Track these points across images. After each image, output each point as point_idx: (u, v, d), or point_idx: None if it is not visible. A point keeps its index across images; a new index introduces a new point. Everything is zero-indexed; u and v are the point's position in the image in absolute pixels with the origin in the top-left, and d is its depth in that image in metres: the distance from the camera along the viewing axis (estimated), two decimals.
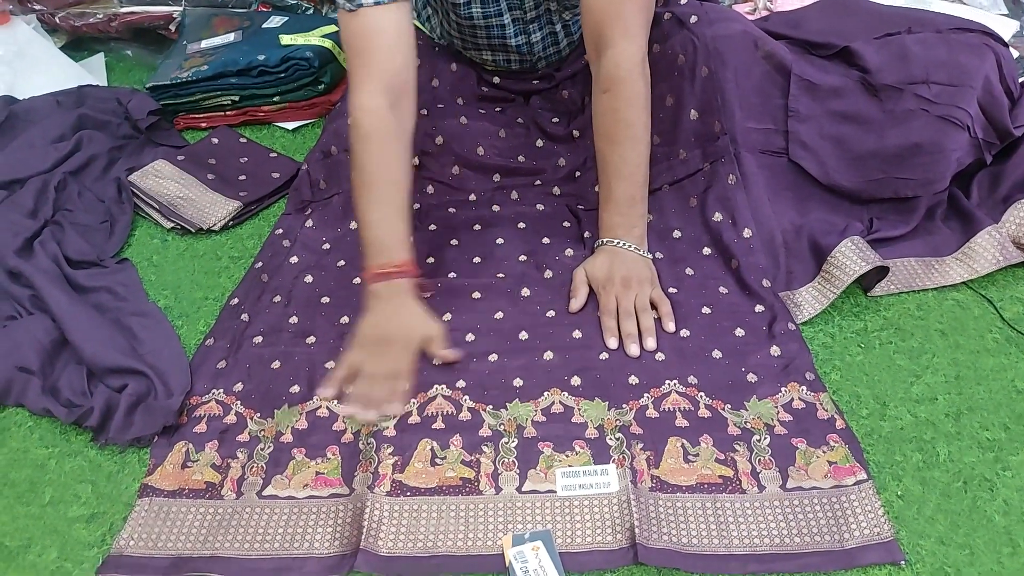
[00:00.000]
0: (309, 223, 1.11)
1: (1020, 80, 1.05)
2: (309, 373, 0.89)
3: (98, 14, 1.58)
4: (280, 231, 1.11)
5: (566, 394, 0.85)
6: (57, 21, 1.59)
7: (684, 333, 0.92)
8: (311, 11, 1.57)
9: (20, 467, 0.82)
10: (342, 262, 1.04)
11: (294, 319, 0.97)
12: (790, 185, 1.04)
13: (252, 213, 1.19)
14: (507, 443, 0.80)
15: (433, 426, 0.82)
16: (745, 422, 0.82)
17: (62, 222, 1.10)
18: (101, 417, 0.82)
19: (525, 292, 0.99)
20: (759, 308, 0.94)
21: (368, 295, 0.89)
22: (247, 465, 0.80)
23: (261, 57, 1.34)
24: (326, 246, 1.08)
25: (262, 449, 0.82)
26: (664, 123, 1.07)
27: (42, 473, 0.81)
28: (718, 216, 1.03)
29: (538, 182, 1.16)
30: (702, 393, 0.85)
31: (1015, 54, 1.15)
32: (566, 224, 1.10)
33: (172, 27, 1.56)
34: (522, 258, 1.04)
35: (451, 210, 1.13)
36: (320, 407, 0.85)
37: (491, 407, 0.84)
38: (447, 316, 0.95)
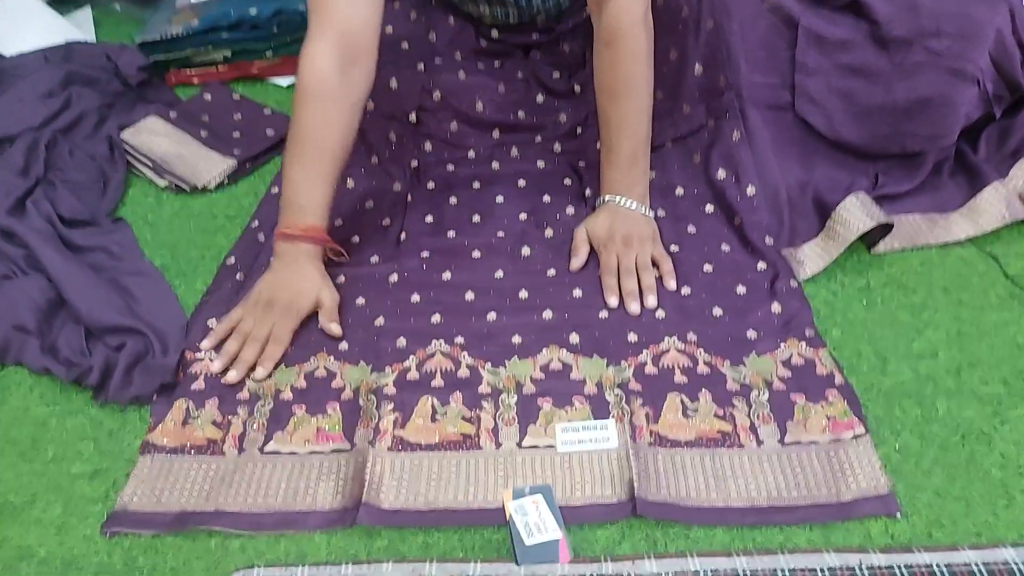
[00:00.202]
0: None
1: None
2: (305, 333, 0.89)
3: None
4: (276, 189, 1.10)
5: (564, 351, 0.85)
6: None
7: (685, 291, 0.91)
8: None
9: (21, 425, 0.82)
10: (339, 221, 1.03)
11: None
12: (795, 140, 1.02)
13: (247, 171, 1.17)
14: (506, 399, 0.80)
15: (432, 383, 0.82)
16: (744, 378, 0.82)
17: (54, 180, 1.09)
18: (100, 376, 0.82)
19: (525, 251, 0.98)
20: (761, 266, 0.94)
21: (273, 254, 0.89)
22: (248, 422, 0.80)
23: (253, 11, 1.31)
24: None
25: (262, 406, 0.82)
26: (667, 78, 1.05)
27: (44, 431, 0.82)
28: (721, 173, 1.01)
29: (538, 139, 1.15)
30: (701, 349, 0.85)
31: None
32: (567, 182, 1.09)
33: None
34: (522, 216, 1.03)
35: (450, 167, 1.12)
36: (318, 367, 0.85)
37: (490, 364, 0.84)
38: (447, 275, 0.94)
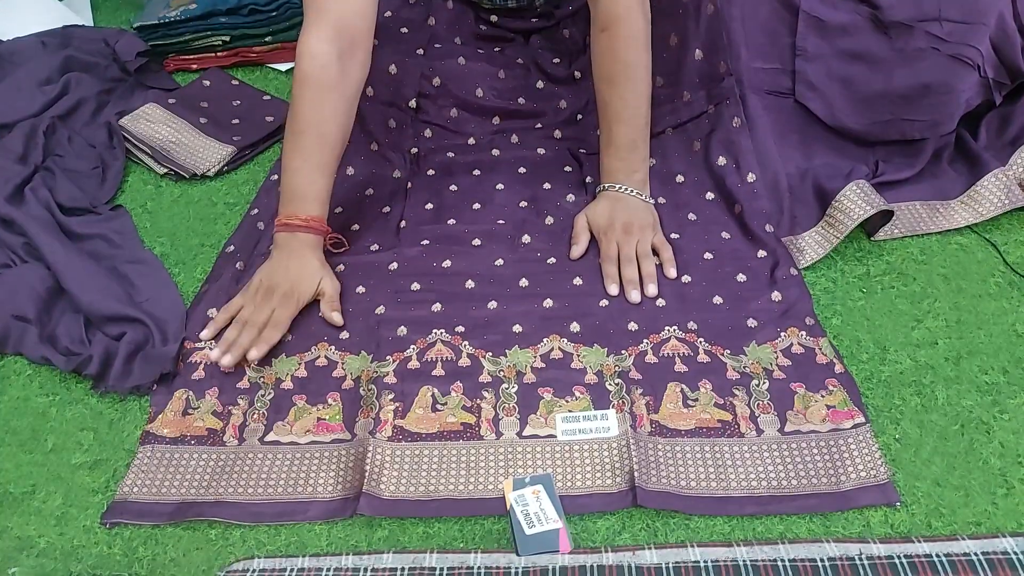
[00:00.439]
0: None
1: None
2: (306, 322, 0.89)
3: None
4: (276, 177, 1.09)
5: (565, 340, 0.85)
6: None
7: (686, 279, 0.91)
8: None
9: (21, 415, 0.82)
10: (339, 209, 1.02)
11: None
12: (796, 127, 1.02)
13: (247, 158, 1.17)
14: (507, 389, 0.81)
15: (433, 372, 0.82)
16: (744, 367, 0.82)
17: (53, 168, 1.08)
18: (100, 365, 0.82)
19: (526, 239, 0.98)
20: (761, 253, 0.93)
21: (273, 243, 0.89)
22: (248, 412, 0.81)
23: None
24: None
25: (263, 396, 0.82)
26: (667, 64, 1.04)
27: (43, 421, 0.82)
28: (722, 160, 1.01)
29: (539, 125, 1.14)
30: (701, 339, 0.85)
31: None
32: (567, 169, 1.08)
33: None
34: (523, 204, 1.03)
35: (450, 154, 1.11)
36: (319, 357, 0.85)
37: (490, 353, 0.84)
38: (447, 263, 0.94)
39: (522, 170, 1.08)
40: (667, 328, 0.86)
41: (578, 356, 0.83)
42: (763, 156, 0.99)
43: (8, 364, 0.87)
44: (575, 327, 0.86)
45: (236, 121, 1.21)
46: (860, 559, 0.56)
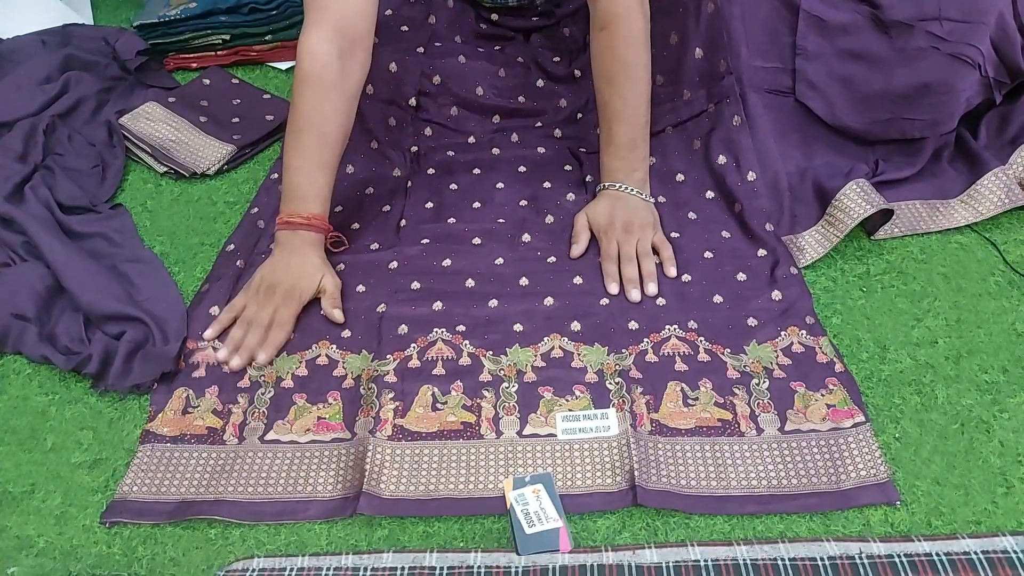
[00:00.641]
0: None
1: None
2: (306, 320, 0.89)
3: None
4: (276, 175, 1.09)
5: (566, 339, 0.85)
6: None
7: (686, 278, 0.91)
8: None
9: (21, 414, 0.82)
10: (339, 207, 1.02)
11: None
12: (796, 126, 1.02)
13: (247, 157, 1.16)
14: (507, 388, 0.80)
15: (433, 371, 0.82)
16: (744, 366, 0.82)
17: (53, 167, 1.08)
18: (100, 364, 0.82)
19: (526, 238, 0.98)
20: (761, 252, 0.93)
21: (274, 242, 0.89)
22: (248, 410, 0.80)
23: None
24: None
25: (263, 394, 0.82)
26: (667, 62, 1.04)
27: (43, 420, 0.82)
28: (722, 159, 1.01)
29: (539, 124, 1.14)
30: (702, 338, 0.85)
31: None
32: (568, 168, 1.08)
33: None
34: (523, 203, 1.03)
35: (450, 153, 1.11)
36: (320, 355, 0.85)
37: (491, 352, 0.84)
38: (447, 262, 0.94)
39: (522, 169, 1.08)
40: (667, 327, 0.86)
41: (578, 355, 0.83)
42: (763, 155, 0.99)
43: (7, 363, 0.87)
44: (575, 326, 0.86)
45: (236, 120, 1.21)
46: (860, 558, 0.56)
